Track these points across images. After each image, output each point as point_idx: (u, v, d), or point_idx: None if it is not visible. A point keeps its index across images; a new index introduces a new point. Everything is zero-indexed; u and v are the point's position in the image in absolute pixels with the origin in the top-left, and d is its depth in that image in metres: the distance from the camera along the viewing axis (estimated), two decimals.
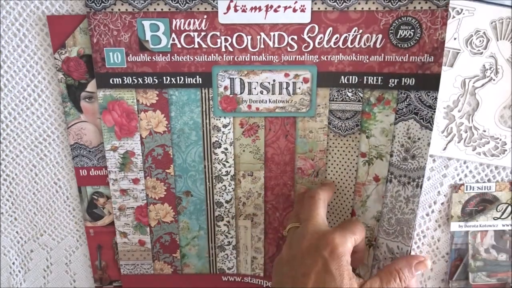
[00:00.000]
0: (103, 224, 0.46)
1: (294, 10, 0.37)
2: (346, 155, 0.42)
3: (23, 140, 0.43)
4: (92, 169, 0.44)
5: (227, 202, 0.45)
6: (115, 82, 0.40)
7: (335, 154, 0.42)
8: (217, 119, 0.41)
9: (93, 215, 0.46)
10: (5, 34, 0.39)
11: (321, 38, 0.38)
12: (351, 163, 0.42)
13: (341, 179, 0.43)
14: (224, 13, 0.37)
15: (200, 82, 0.40)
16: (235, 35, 0.38)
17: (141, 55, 0.39)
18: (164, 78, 0.40)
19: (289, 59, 0.39)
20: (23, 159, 0.44)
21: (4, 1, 0.38)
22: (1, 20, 0.39)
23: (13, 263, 0.49)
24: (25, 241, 0.48)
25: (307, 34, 0.38)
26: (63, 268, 0.49)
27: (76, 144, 0.43)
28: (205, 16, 0.38)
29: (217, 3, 0.37)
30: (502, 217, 0.44)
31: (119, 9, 0.37)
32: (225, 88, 0.40)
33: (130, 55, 0.39)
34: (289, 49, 0.38)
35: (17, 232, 0.47)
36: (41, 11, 0.39)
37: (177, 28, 0.38)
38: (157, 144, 0.42)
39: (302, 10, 0.37)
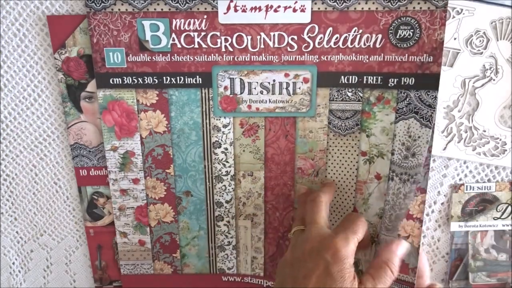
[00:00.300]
0: (103, 224, 0.46)
1: (294, 10, 0.37)
2: (346, 154, 0.42)
3: (23, 140, 0.43)
4: (92, 169, 0.44)
5: (227, 202, 0.45)
6: (115, 82, 0.40)
7: (335, 153, 0.42)
8: (217, 119, 0.41)
9: (93, 215, 0.46)
10: (5, 34, 0.39)
11: (321, 38, 0.38)
12: (351, 161, 0.42)
13: (342, 178, 0.43)
14: (224, 13, 0.37)
15: (200, 82, 0.40)
16: (235, 35, 0.38)
17: (141, 55, 0.39)
18: (164, 78, 0.40)
19: (289, 59, 0.39)
20: (23, 159, 0.44)
21: (4, 1, 0.38)
22: (1, 20, 0.39)
23: (13, 263, 0.49)
24: (25, 241, 0.48)
25: (307, 34, 0.38)
26: (63, 268, 0.49)
27: (76, 144, 0.43)
28: (205, 16, 0.37)
29: (217, 3, 0.37)
30: (502, 217, 0.44)
31: (119, 9, 0.37)
32: (225, 88, 0.40)
33: (130, 55, 0.39)
34: (289, 49, 0.38)
35: (17, 232, 0.47)
36: (41, 11, 0.39)
37: (177, 28, 0.38)
38: (157, 144, 0.42)
39: (302, 10, 0.37)
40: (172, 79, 0.40)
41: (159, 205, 0.45)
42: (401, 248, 0.37)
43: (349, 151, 0.42)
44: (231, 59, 0.39)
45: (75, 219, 0.47)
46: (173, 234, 0.46)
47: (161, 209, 0.45)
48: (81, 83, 0.41)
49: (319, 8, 0.37)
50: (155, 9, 0.37)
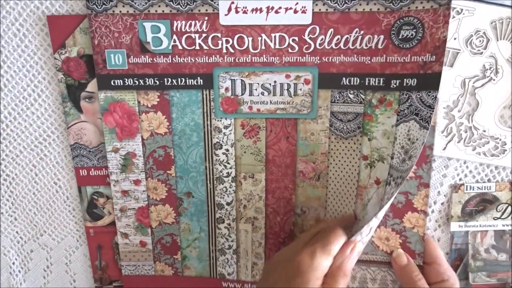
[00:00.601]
0: (103, 224, 0.46)
1: (295, 12, 0.37)
2: (348, 158, 0.42)
3: (23, 140, 0.43)
4: (92, 169, 0.44)
5: (228, 204, 0.44)
6: (116, 84, 0.40)
7: (337, 157, 0.42)
8: (218, 120, 0.41)
9: (93, 215, 0.46)
10: (5, 34, 0.39)
11: (322, 39, 0.38)
12: (352, 166, 0.42)
13: (343, 183, 0.43)
14: (225, 15, 0.37)
15: (201, 83, 0.40)
16: (236, 36, 0.38)
17: (142, 56, 0.39)
18: (165, 79, 0.40)
19: (290, 60, 0.39)
20: (23, 159, 0.44)
21: (4, 1, 0.38)
22: (1, 20, 0.39)
23: (13, 263, 0.49)
24: (25, 241, 0.48)
25: (308, 35, 0.38)
26: (63, 268, 0.49)
27: (76, 144, 0.43)
28: (206, 18, 0.37)
29: (218, 4, 0.37)
30: (502, 217, 0.44)
31: (120, 11, 0.37)
32: (226, 89, 0.40)
33: (131, 56, 0.39)
34: (290, 50, 0.38)
35: (17, 232, 0.47)
36: (41, 11, 0.39)
37: (178, 30, 0.38)
38: (158, 145, 0.42)
39: (303, 12, 0.37)
40: (173, 80, 0.40)
41: (160, 206, 0.45)
42: (356, 249, 0.37)
43: (351, 155, 0.42)
44: (232, 61, 0.39)
45: (75, 219, 0.47)
46: (174, 236, 0.46)
47: (162, 210, 0.45)
48: (81, 83, 0.41)
49: (320, 9, 0.37)
50: (156, 11, 0.37)
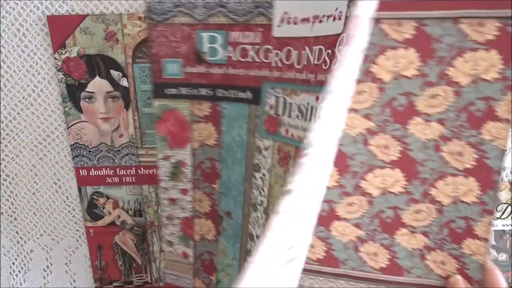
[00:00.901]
0: (103, 224, 0.46)
1: (334, 19, 0.33)
2: None
3: (23, 140, 0.43)
4: (92, 169, 0.44)
5: (257, 237, 0.42)
6: (171, 93, 0.40)
7: None
8: (259, 140, 0.40)
9: (93, 215, 0.46)
10: (5, 34, 0.39)
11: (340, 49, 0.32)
12: None
13: None
14: (278, 26, 0.36)
15: (250, 97, 0.39)
16: (285, 49, 0.36)
17: (198, 66, 0.39)
18: (218, 90, 0.39)
19: (321, 79, 0.34)
20: (23, 159, 0.44)
21: (4, 1, 0.38)
22: (1, 20, 0.39)
23: (13, 263, 0.49)
24: (25, 241, 0.48)
25: (338, 47, 0.32)
26: (63, 268, 0.49)
27: (76, 144, 0.43)
28: (260, 29, 0.36)
29: (272, 15, 0.35)
30: (502, 217, 0.44)
31: (179, 21, 0.37)
32: (270, 106, 0.38)
33: (187, 66, 0.39)
34: (323, 67, 0.34)
35: (17, 232, 0.47)
36: (41, 11, 0.39)
37: (233, 41, 0.37)
38: (207, 156, 0.41)
39: (340, 18, 0.32)
40: (225, 91, 0.39)
41: (203, 220, 0.44)
42: None
43: None
44: (279, 76, 0.37)
45: (75, 219, 0.47)
46: (212, 254, 0.45)
47: (205, 224, 0.44)
48: (81, 83, 0.41)
49: (351, 12, 0.31)
50: (214, 21, 0.37)
